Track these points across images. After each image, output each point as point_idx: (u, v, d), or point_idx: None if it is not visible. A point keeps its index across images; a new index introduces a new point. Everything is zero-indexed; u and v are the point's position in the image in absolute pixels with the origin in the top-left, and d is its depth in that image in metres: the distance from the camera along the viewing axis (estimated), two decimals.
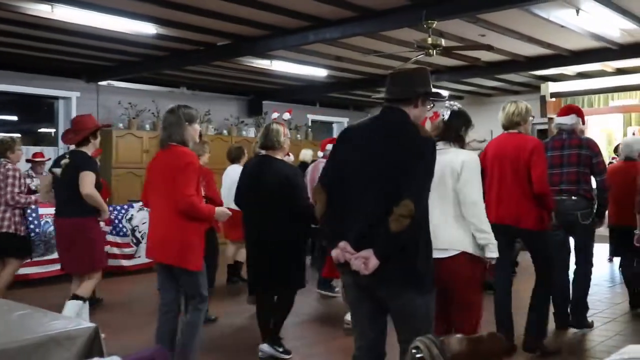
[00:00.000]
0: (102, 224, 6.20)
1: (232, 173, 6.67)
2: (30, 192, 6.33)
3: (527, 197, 4.31)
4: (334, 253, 2.73)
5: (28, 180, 6.86)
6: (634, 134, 10.03)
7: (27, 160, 8.29)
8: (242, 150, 7.27)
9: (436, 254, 2.92)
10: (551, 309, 5.32)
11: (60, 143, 9.85)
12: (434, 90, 2.95)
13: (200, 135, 4.37)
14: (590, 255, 5.23)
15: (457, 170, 3.34)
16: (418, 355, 1.55)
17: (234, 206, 4.81)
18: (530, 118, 4.59)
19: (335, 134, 11.89)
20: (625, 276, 6.13)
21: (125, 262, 8.26)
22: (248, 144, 9.73)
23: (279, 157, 4.56)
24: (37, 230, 7.31)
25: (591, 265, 5.24)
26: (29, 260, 6.59)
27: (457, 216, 3.36)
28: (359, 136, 2.88)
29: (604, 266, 8.08)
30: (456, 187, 3.34)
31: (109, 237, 8.27)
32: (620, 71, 10.49)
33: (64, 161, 5.00)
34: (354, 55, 9.04)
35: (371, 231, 2.63)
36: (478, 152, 4.38)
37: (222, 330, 5.54)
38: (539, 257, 4.55)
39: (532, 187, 4.29)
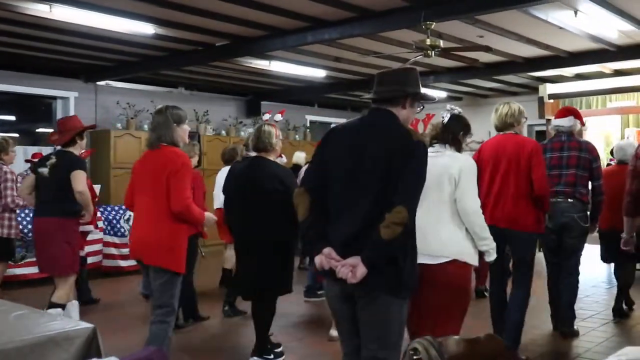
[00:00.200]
0: (89, 227, 6.21)
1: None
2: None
3: (525, 198, 4.28)
4: (318, 260, 2.60)
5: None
6: (627, 137, 10.02)
7: (26, 161, 8.26)
8: (236, 151, 7.19)
9: (424, 259, 2.84)
10: (549, 311, 5.34)
11: None
12: (423, 90, 2.83)
13: (199, 136, 4.36)
14: (578, 262, 5.07)
15: (454, 177, 3.25)
16: (416, 357, 1.55)
17: None
18: (524, 119, 4.55)
19: None
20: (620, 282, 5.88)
21: (122, 263, 8.26)
22: None
23: (271, 158, 4.52)
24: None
25: (578, 273, 5.08)
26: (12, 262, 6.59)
27: (452, 221, 3.25)
28: (346, 137, 2.74)
29: (602, 268, 8.05)
30: (454, 194, 3.24)
31: (106, 238, 8.27)
32: (618, 73, 10.48)
33: (51, 161, 4.98)
34: (352, 56, 9.02)
35: (358, 238, 2.51)
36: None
37: (214, 332, 5.54)
38: (524, 261, 4.43)
39: (532, 188, 4.25)
